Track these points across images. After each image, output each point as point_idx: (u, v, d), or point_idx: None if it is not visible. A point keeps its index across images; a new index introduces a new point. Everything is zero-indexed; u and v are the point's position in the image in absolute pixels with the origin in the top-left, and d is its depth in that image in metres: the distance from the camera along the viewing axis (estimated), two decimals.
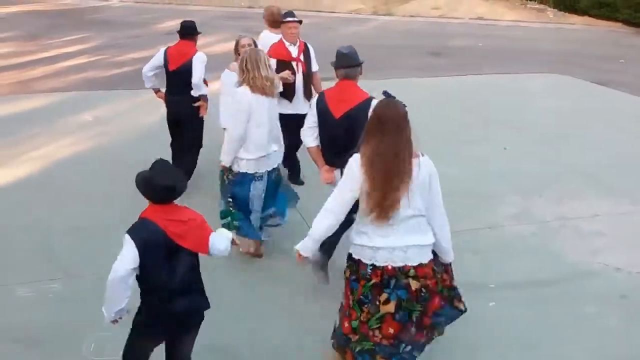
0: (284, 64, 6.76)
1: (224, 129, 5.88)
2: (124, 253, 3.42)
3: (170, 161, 4.94)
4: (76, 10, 20.80)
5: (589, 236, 6.36)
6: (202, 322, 3.82)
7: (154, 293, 3.55)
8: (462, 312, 4.13)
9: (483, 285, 5.43)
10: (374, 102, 4.50)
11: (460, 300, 4.11)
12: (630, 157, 8.59)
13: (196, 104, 6.90)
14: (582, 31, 19.98)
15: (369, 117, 3.90)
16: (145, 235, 3.44)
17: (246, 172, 5.41)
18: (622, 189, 7.53)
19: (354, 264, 3.89)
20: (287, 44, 6.91)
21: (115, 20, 18.95)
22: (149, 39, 15.91)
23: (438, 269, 3.94)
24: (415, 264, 3.75)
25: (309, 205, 6.70)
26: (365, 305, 3.83)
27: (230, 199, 5.48)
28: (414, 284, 3.75)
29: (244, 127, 5.25)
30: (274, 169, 5.60)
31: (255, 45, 6.41)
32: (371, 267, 3.77)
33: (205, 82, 6.93)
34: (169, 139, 7.24)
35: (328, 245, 4.80)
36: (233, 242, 3.88)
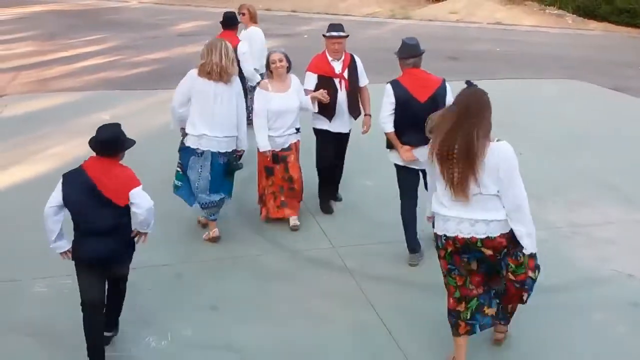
0: (325, 80, 6.34)
1: None
2: (53, 193, 4.18)
3: None
4: (95, 11, 21.01)
5: (601, 243, 6.34)
6: (208, 322, 3.89)
7: (76, 230, 4.20)
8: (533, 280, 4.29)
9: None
10: (447, 84, 5.57)
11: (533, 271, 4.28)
12: None
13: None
14: (601, 37, 19.87)
15: (452, 103, 4.32)
16: (72, 180, 4.13)
17: (189, 146, 5.89)
18: (636, 196, 7.48)
19: (435, 239, 4.30)
20: (329, 58, 6.41)
21: (133, 21, 19.12)
22: (166, 40, 16.06)
23: (519, 252, 4.13)
24: (482, 236, 4.04)
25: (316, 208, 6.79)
26: (454, 272, 4.24)
27: (180, 161, 6.09)
28: (486, 251, 4.08)
29: (179, 100, 5.89)
30: (221, 153, 5.92)
31: (288, 61, 6.15)
32: (444, 238, 4.15)
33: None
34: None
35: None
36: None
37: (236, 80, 5.96)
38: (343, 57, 6.42)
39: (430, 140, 4.20)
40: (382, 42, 14.65)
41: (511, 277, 4.16)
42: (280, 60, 6.13)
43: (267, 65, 6.26)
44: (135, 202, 4.15)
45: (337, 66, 6.38)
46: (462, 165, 3.95)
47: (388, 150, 5.76)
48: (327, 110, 6.39)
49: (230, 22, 7.92)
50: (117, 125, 4.27)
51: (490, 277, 4.27)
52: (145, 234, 4.40)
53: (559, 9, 23.24)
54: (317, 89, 6.30)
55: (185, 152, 5.95)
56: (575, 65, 15.01)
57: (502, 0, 24.00)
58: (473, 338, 4.45)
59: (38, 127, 9.13)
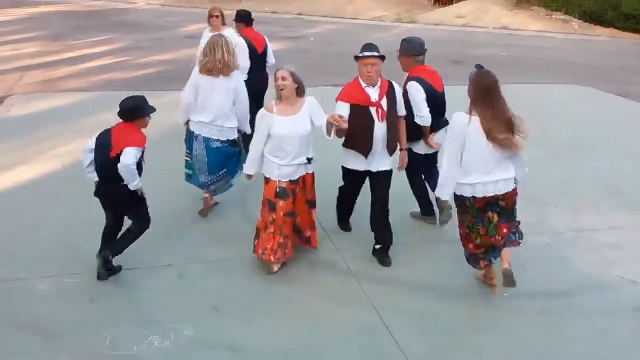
0: (359, 110, 5.49)
1: None
2: (85, 146, 5.30)
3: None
4: (102, 12, 21.10)
5: (604, 248, 6.33)
6: (211, 322, 3.92)
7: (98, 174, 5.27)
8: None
9: (497, 294, 5.43)
10: None
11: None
12: None
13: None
14: (607, 43, 19.85)
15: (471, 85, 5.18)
16: (100, 136, 5.27)
17: (192, 131, 6.41)
18: None
19: (458, 200, 5.18)
20: (363, 84, 5.55)
21: (141, 22, 19.20)
22: (172, 41, 16.11)
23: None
24: (502, 192, 5.04)
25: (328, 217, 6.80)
26: (478, 224, 5.13)
27: (186, 150, 6.58)
28: (502, 203, 5.09)
29: (186, 94, 6.36)
30: (214, 139, 6.37)
31: (296, 80, 5.36)
32: (472, 199, 5.05)
33: None
34: None
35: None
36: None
37: (235, 73, 6.34)
38: (379, 83, 5.59)
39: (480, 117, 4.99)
40: (389, 46, 14.67)
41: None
42: (283, 79, 5.32)
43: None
44: (121, 157, 5.01)
45: (373, 93, 5.55)
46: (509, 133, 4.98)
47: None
48: (361, 144, 5.56)
49: (249, 19, 8.43)
50: (138, 97, 5.31)
51: (508, 223, 5.17)
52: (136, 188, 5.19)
53: (565, 15, 23.23)
54: (350, 121, 5.35)
55: (189, 139, 6.49)
56: (581, 70, 15.01)
57: (509, 5, 24.01)
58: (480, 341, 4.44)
59: (44, 127, 9.17)
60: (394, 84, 5.75)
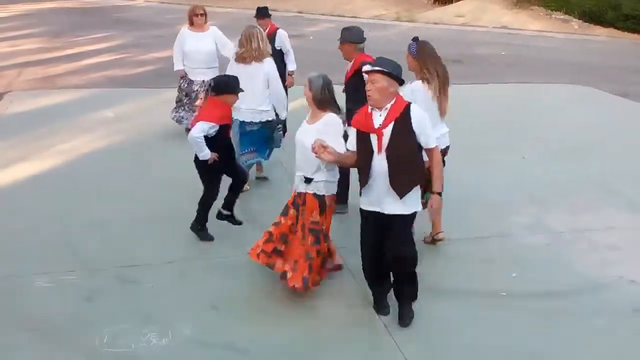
0: (362, 137, 4.67)
1: None
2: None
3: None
4: (102, 9, 21.08)
5: (604, 249, 6.33)
6: (210, 321, 4.06)
7: None
8: None
9: (494, 294, 5.43)
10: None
11: None
12: None
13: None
14: (607, 43, 19.85)
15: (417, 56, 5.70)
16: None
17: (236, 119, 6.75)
18: None
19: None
20: (369, 106, 4.66)
21: (140, 19, 19.18)
22: (172, 39, 16.01)
23: None
24: (446, 145, 6.06)
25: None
26: None
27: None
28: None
29: None
30: (245, 122, 6.87)
31: (310, 87, 5.06)
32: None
33: None
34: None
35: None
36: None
37: (267, 59, 6.77)
38: (390, 106, 4.57)
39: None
40: (388, 45, 14.68)
41: None
42: (305, 86, 5.11)
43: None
44: (192, 129, 5.66)
45: (378, 118, 4.60)
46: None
47: None
48: (361, 178, 4.75)
49: (267, 13, 8.50)
50: (227, 76, 6.07)
51: None
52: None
53: (565, 14, 23.22)
54: (358, 150, 4.73)
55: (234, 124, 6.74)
56: (581, 70, 15.01)
57: (509, 5, 24.00)
58: (477, 341, 4.42)
59: (43, 124, 9.16)
60: (415, 108, 4.63)
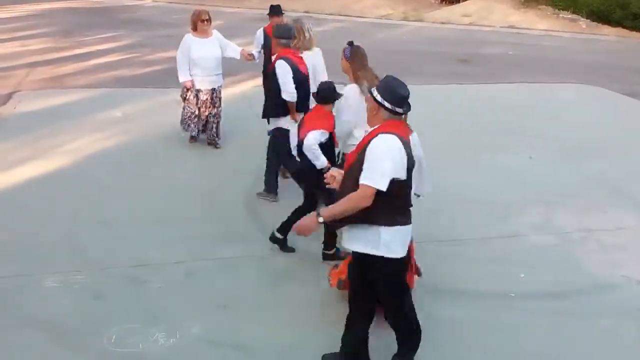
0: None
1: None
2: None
3: None
4: (110, 9, 21.11)
5: (611, 249, 6.31)
6: (217, 321, 4.11)
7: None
8: None
9: (503, 294, 5.43)
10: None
11: None
12: None
13: None
14: (615, 42, 19.75)
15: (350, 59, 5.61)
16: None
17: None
18: None
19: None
20: None
21: (148, 19, 19.20)
22: (179, 39, 16.03)
23: None
24: None
25: None
26: None
27: None
28: None
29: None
30: None
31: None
32: None
33: None
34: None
35: None
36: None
37: (315, 49, 6.97)
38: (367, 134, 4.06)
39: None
40: (395, 45, 14.66)
41: None
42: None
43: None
44: (304, 141, 5.50)
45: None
46: None
47: None
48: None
49: (280, 11, 8.63)
50: (328, 83, 5.79)
51: None
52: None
53: (572, 14, 23.11)
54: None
55: None
56: (589, 70, 14.95)
57: (516, 4, 23.90)
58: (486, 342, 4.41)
59: (51, 123, 9.18)
60: (381, 138, 3.83)
